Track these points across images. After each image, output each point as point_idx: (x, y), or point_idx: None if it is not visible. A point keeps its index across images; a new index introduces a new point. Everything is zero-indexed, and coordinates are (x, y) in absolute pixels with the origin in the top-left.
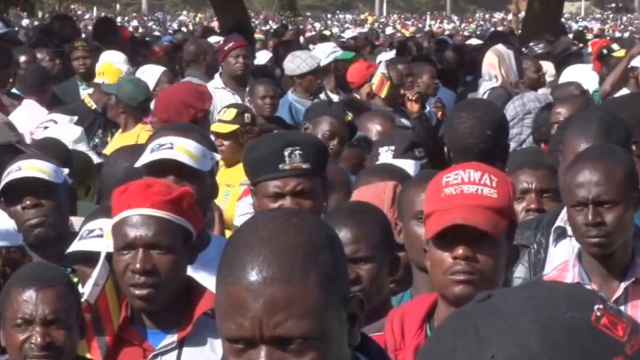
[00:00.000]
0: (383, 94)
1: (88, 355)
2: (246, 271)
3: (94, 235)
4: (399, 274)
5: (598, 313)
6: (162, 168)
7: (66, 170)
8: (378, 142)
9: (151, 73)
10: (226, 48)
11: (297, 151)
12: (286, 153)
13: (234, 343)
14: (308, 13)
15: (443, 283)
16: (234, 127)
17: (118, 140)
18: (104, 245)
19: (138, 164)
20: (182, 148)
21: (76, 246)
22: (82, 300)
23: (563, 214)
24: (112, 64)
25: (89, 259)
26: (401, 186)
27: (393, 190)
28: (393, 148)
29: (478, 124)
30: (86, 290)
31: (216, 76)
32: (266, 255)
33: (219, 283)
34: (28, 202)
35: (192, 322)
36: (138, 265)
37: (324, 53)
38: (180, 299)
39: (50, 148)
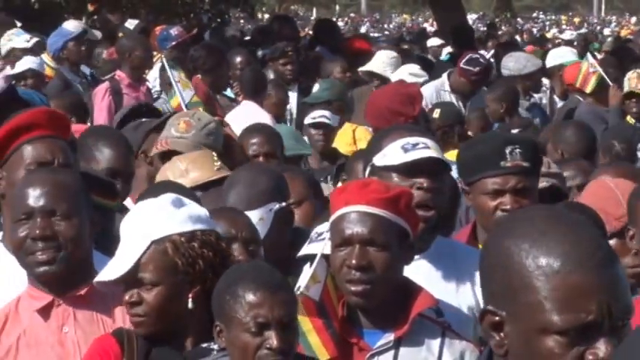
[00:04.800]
0: (588, 89)
1: (323, 350)
2: (580, 256)
3: (321, 239)
4: None
5: None
6: (418, 167)
7: None
8: None
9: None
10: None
11: (518, 150)
12: (507, 151)
13: (564, 335)
14: (534, 15)
15: None
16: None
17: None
18: (320, 247)
19: (393, 163)
20: (437, 148)
21: (305, 250)
22: (308, 295)
23: None
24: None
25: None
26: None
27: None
28: None
29: None
30: (302, 284)
31: (444, 76)
32: (588, 239)
33: (536, 274)
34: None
35: (409, 322)
36: (354, 261)
37: (555, 56)
38: (396, 299)
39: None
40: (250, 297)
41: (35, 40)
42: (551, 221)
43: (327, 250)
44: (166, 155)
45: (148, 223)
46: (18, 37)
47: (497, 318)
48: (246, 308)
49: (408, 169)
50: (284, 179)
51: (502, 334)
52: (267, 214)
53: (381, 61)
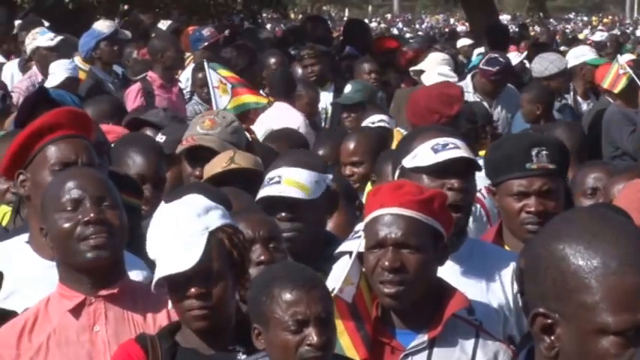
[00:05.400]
0: (617, 90)
1: (354, 352)
2: (636, 256)
3: (357, 237)
4: None
5: None
6: (449, 168)
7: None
8: None
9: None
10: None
11: (544, 152)
12: (533, 153)
13: (620, 336)
14: (568, 15)
15: None
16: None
17: None
18: (356, 245)
19: (423, 164)
20: (467, 148)
21: (343, 247)
22: (341, 297)
23: None
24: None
25: None
26: None
27: None
28: None
29: None
30: (335, 286)
31: (468, 77)
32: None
33: (593, 275)
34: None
35: (443, 323)
36: (387, 263)
37: (575, 55)
38: (429, 299)
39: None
40: (287, 296)
41: (59, 38)
42: (600, 223)
43: (362, 248)
44: (192, 153)
45: (199, 216)
46: (42, 36)
47: (549, 320)
48: (284, 307)
49: (439, 170)
50: None
51: (553, 337)
52: (322, 183)
53: (432, 63)
